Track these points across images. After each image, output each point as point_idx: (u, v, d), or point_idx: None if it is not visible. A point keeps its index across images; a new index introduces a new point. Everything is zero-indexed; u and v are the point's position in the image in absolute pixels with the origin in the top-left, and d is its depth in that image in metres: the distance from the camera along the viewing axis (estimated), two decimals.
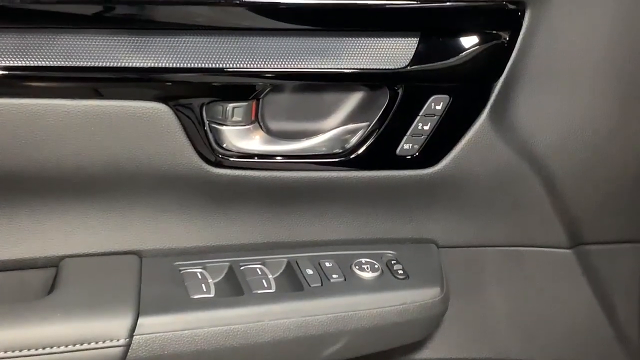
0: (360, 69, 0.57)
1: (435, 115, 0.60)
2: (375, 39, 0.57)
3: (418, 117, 0.60)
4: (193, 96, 0.57)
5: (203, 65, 0.55)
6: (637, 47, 0.61)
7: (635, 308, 0.74)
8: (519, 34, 0.59)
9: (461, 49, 0.58)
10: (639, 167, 0.68)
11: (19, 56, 0.51)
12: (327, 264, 0.64)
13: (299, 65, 0.57)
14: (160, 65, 0.54)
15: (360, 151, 0.61)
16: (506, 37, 0.59)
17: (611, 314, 0.74)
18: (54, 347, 0.54)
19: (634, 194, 0.69)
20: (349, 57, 0.57)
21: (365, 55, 0.58)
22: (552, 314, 0.76)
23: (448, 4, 0.57)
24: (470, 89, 0.61)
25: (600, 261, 0.74)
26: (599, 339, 0.76)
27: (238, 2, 0.54)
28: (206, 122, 0.58)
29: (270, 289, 0.61)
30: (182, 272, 0.61)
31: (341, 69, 0.57)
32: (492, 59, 0.60)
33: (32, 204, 0.59)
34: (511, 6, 0.58)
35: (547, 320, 0.76)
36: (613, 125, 0.64)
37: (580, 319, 0.75)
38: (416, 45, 0.57)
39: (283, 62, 0.56)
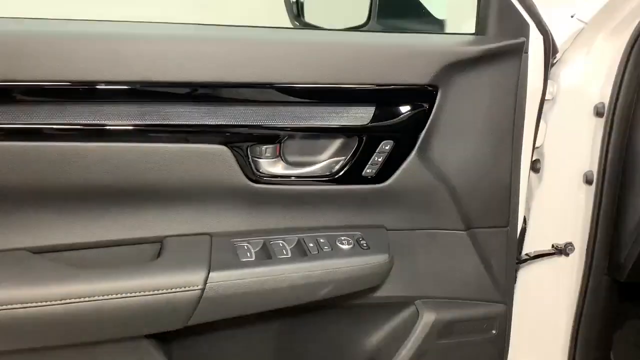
0: (341, 125, 0.90)
1: (384, 152, 0.92)
2: (351, 107, 0.90)
3: (374, 154, 0.92)
4: (242, 141, 0.88)
5: (248, 123, 0.86)
6: (499, 117, 0.96)
7: (502, 264, 1.04)
8: (434, 105, 0.92)
9: (400, 113, 0.91)
10: (503, 184, 0.99)
11: (149, 118, 0.82)
12: (321, 240, 0.92)
13: (304, 124, 0.89)
14: (223, 123, 0.86)
15: (341, 173, 0.92)
16: (426, 106, 0.92)
17: (489, 268, 1.04)
18: (159, 290, 0.81)
19: (500, 199, 1.00)
20: (335, 119, 0.89)
21: (345, 117, 0.90)
22: (454, 269, 1.03)
23: (391, 87, 0.90)
24: (405, 137, 0.92)
25: (482, 238, 1.02)
26: (481, 283, 1.04)
27: (268, 84, 0.85)
28: (250, 156, 0.89)
29: (288, 255, 0.89)
30: (235, 245, 0.89)
31: (330, 125, 0.90)
32: (418, 120, 0.92)
33: (151, 208, 0.89)
34: (429, 88, 0.91)
35: (452, 272, 1.03)
36: (488, 159, 0.97)
37: (471, 272, 1.03)
38: (373, 111, 0.90)
39: (294, 122, 0.88)
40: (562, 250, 1.11)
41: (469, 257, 1.03)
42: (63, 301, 0.77)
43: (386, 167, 0.94)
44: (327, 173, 0.94)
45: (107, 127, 0.82)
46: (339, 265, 0.91)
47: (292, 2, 1.21)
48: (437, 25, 1.24)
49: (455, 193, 0.98)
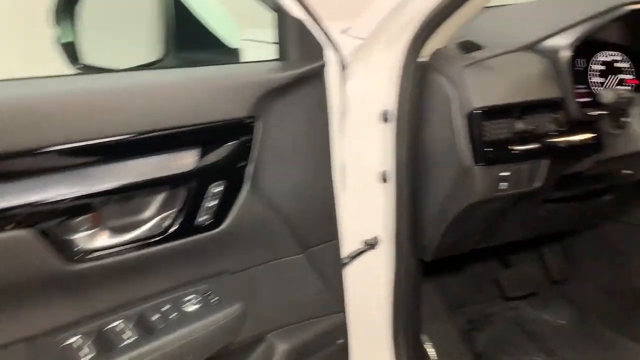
0: (164, 176, 0.81)
1: (215, 195, 0.86)
2: (172, 154, 0.81)
3: (205, 199, 0.85)
4: (48, 219, 0.72)
5: (48, 197, 0.70)
6: (314, 138, 0.98)
7: (336, 275, 1.09)
8: (255, 137, 0.89)
9: (223, 151, 0.86)
10: (328, 200, 1.04)
11: None
12: (167, 308, 0.83)
13: (121, 183, 0.77)
14: (15, 204, 0.69)
15: (173, 229, 0.83)
16: (248, 139, 0.89)
17: (326, 282, 1.07)
18: None
19: (327, 215, 1.05)
20: (156, 170, 0.79)
21: (166, 166, 0.81)
22: (298, 292, 1.04)
23: (209, 125, 0.84)
24: (233, 175, 0.88)
25: (317, 255, 1.05)
26: (322, 298, 1.07)
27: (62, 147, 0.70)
28: (62, 234, 0.74)
29: (130, 339, 0.78)
30: (61, 346, 0.74)
31: (152, 178, 0.79)
32: (243, 155, 0.89)
33: None
34: (248, 120, 0.88)
35: (296, 297, 1.04)
36: (313, 180, 1.00)
37: (312, 291, 1.05)
38: (196, 154, 0.83)
39: (108, 183, 0.76)
40: (372, 245, 1.20)
41: (309, 276, 1.04)
42: None
43: (220, 211, 0.89)
44: (159, 232, 0.84)
45: None
46: (193, 332, 0.84)
47: (65, 44, 1.01)
48: (233, 55, 1.21)
49: (289, 220, 0.98)
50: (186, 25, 1.17)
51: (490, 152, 1.02)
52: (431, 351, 1.46)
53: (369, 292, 1.25)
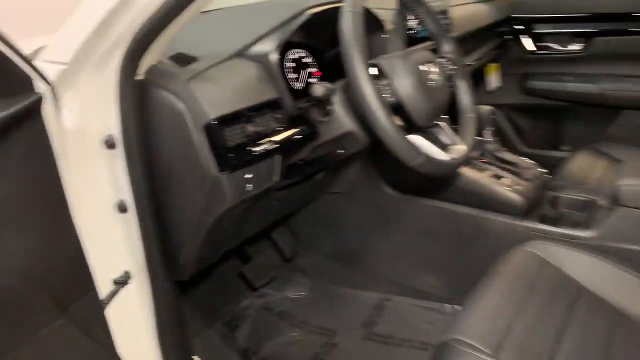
0: None
1: None
2: None
3: None
4: None
5: None
6: (42, 187, 0.86)
7: (104, 323, 1.01)
8: None
9: None
10: (74, 254, 0.93)
11: None
12: None
13: None
14: None
15: None
16: None
17: (94, 336, 0.99)
18: None
19: (77, 270, 0.94)
20: None
21: None
22: (68, 355, 0.94)
23: None
24: None
25: (79, 310, 0.94)
26: (93, 351, 0.99)
27: None
28: None
29: None
30: None
31: None
32: None
33: None
34: None
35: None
36: (51, 238, 0.88)
37: (80, 349, 0.96)
38: None
39: None
40: (124, 282, 1.12)
41: (76, 338, 0.93)
42: None
43: None
44: None
45: None
46: None
47: None
48: None
49: (39, 284, 0.84)
50: None
51: (233, 159, 1.06)
52: None
53: (134, 330, 1.16)
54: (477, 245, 1.58)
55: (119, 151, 1.05)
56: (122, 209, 1.08)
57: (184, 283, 1.30)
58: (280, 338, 1.68)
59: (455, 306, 1.69)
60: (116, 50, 0.99)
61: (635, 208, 1.32)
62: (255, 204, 1.26)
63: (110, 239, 1.09)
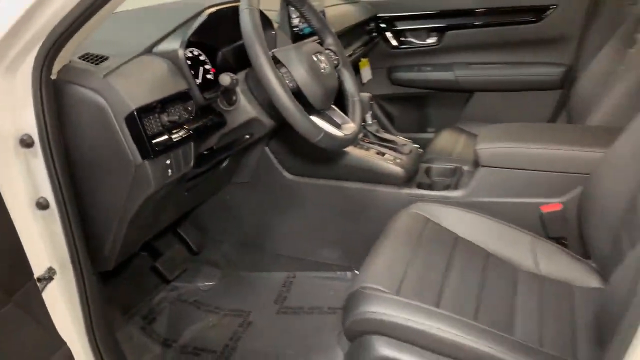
0: None
1: None
2: None
3: None
4: None
5: None
6: None
7: (45, 309, 1.05)
8: None
9: None
10: (12, 245, 0.97)
11: None
12: None
13: None
14: None
15: None
16: None
17: (40, 322, 1.02)
18: None
19: (17, 261, 0.98)
20: None
21: None
22: (19, 341, 0.96)
23: None
24: None
25: (23, 297, 0.98)
26: (41, 336, 1.03)
27: None
28: None
29: None
30: None
31: None
32: None
33: None
34: None
35: (18, 345, 0.97)
36: None
37: (30, 334, 1.00)
38: None
39: None
40: (49, 278, 1.15)
41: (25, 324, 0.96)
42: None
43: None
44: None
45: None
46: None
47: None
48: None
49: None
50: None
51: (154, 146, 1.14)
52: None
53: (64, 324, 1.19)
54: (368, 215, 1.79)
55: (36, 149, 1.08)
56: (43, 206, 1.11)
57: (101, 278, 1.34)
58: (198, 325, 1.76)
59: (355, 271, 1.89)
60: (29, 52, 1.04)
61: (492, 167, 1.60)
62: (172, 190, 1.35)
63: (32, 237, 1.11)
